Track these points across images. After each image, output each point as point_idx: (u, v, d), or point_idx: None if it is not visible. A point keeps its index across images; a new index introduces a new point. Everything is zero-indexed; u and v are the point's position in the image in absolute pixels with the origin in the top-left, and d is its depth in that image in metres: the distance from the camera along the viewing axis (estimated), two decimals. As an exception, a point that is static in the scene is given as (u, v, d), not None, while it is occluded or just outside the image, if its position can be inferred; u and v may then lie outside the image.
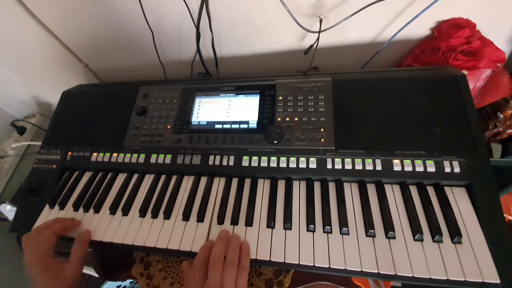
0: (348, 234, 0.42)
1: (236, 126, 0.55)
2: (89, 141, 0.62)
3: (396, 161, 0.45)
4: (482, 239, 0.38)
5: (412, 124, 0.47)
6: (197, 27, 0.63)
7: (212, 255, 0.40)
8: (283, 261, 0.41)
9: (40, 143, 0.66)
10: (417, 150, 0.45)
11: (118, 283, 0.87)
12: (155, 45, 0.70)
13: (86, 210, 0.53)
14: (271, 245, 0.43)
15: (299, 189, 0.48)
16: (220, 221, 0.47)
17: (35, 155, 0.63)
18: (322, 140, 0.50)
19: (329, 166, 0.47)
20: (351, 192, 0.46)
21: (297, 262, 0.41)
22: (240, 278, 0.39)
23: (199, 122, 0.58)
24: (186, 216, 0.48)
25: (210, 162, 0.52)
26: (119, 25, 0.68)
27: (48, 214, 0.55)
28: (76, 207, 0.54)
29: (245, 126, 0.55)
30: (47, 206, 0.56)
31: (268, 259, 0.42)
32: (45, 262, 0.44)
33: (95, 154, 0.59)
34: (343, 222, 0.43)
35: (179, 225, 0.48)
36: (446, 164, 0.44)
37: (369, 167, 0.46)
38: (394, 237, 0.41)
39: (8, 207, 0.73)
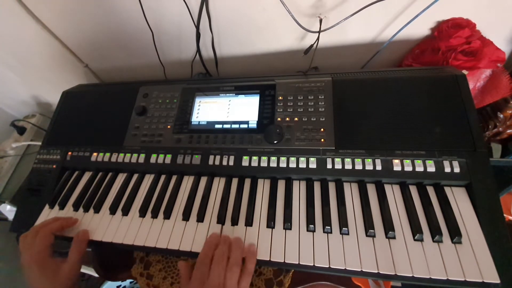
0: (348, 234, 0.42)
1: (236, 126, 0.55)
2: (89, 141, 0.62)
3: (396, 161, 0.45)
4: (482, 239, 0.38)
5: (412, 124, 0.47)
6: (197, 27, 0.63)
7: (216, 254, 0.40)
8: (283, 261, 0.41)
9: (40, 143, 0.66)
10: (417, 150, 0.45)
11: (118, 283, 0.87)
12: (155, 45, 0.70)
13: (86, 210, 0.53)
14: (271, 245, 0.43)
15: (299, 189, 0.48)
16: (220, 221, 0.47)
17: (35, 155, 0.63)
18: (322, 140, 0.50)
19: (329, 166, 0.47)
20: (351, 192, 0.46)
21: (297, 262, 0.41)
22: (243, 280, 0.39)
23: (199, 122, 0.58)
24: (186, 216, 0.48)
25: (210, 162, 0.52)
26: (119, 25, 0.68)
27: (48, 214, 0.55)
28: (76, 207, 0.54)
29: (245, 126, 0.55)
30: (47, 206, 0.56)
31: (268, 259, 0.42)
32: (42, 261, 0.44)
33: (95, 154, 0.59)
34: (343, 222, 0.43)
35: (179, 225, 0.48)
36: (446, 164, 0.44)
37: (369, 167, 0.46)
38: (394, 237, 0.41)
39: (8, 207, 0.73)
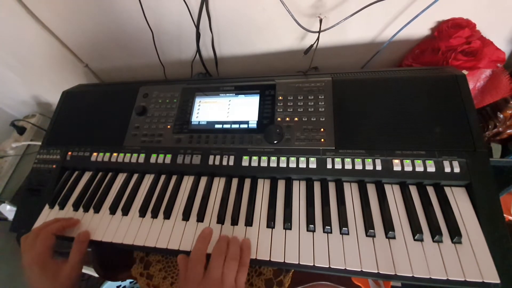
0: (348, 234, 0.42)
1: (236, 126, 0.55)
2: (89, 141, 0.62)
3: (396, 161, 0.45)
4: (482, 239, 0.38)
5: (412, 124, 0.47)
6: (197, 27, 0.63)
7: (214, 249, 0.41)
8: (283, 261, 0.41)
9: (40, 143, 0.66)
10: (417, 150, 0.45)
11: (118, 283, 0.87)
12: (155, 45, 0.70)
13: (86, 210, 0.53)
14: (271, 245, 0.43)
15: (299, 189, 0.48)
16: (220, 221, 0.47)
17: (35, 155, 0.63)
18: (322, 140, 0.50)
19: (329, 166, 0.47)
20: (351, 192, 0.46)
21: (297, 262, 0.41)
22: (240, 274, 0.39)
23: (199, 122, 0.58)
24: (186, 216, 0.48)
25: (210, 162, 0.52)
26: (119, 25, 0.68)
27: (48, 214, 0.55)
28: (76, 207, 0.54)
29: (245, 126, 0.55)
30: (47, 206, 0.56)
31: (268, 259, 0.42)
32: (43, 263, 0.44)
33: (95, 154, 0.59)
34: (343, 222, 0.43)
35: (179, 225, 0.48)
36: (446, 164, 0.44)
37: (369, 167, 0.46)
38: (394, 237, 0.41)
39: (8, 207, 0.73)
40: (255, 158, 0.51)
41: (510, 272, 0.36)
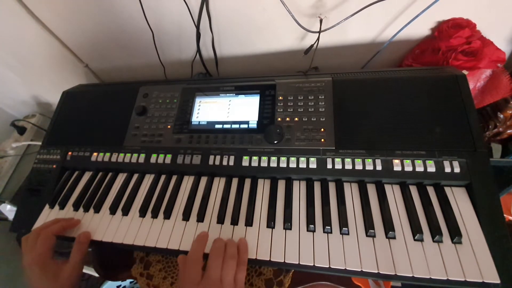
0: (348, 234, 0.42)
1: (236, 126, 0.55)
2: (89, 141, 0.62)
3: (396, 161, 0.45)
4: (482, 239, 0.38)
5: (412, 124, 0.47)
6: (197, 27, 0.63)
7: (212, 249, 0.41)
8: (283, 261, 0.41)
9: (40, 143, 0.66)
10: (417, 150, 0.45)
11: (118, 283, 0.87)
12: (155, 45, 0.70)
13: (86, 210, 0.53)
14: (271, 245, 0.43)
15: (299, 189, 0.48)
16: (220, 221, 0.47)
17: (35, 155, 0.63)
18: (322, 140, 0.50)
19: (329, 166, 0.47)
20: (351, 192, 0.46)
21: (297, 262, 0.41)
22: (239, 272, 0.39)
23: (199, 122, 0.58)
24: (186, 216, 0.48)
25: (210, 162, 0.52)
26: (119, 25, 0.68)
27: (48, 214, 0.55)
28: (76, 207, 0.54)
29: (245, 126, 0.55)
30: (47, 206, 0.56)
31: (268, 259, 0.42)
32: (43, 263, 0.44)
33: (95, 154, 0.59)
34: (343, 222, 0.43)
35: (179, 225, 0.48)
36: (446, 164, 0.44)
37: (369, 167, 0.46)
38: (394, 237, 0.41)
39: (8, 207, 0.73)
40: (255, 158, 0.51)
41: (510, 272, 0.36)
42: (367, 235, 0.41)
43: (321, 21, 0.56)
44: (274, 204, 0.47)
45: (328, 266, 0.40)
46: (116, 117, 0.63)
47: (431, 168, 0.44)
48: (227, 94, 0.59)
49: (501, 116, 0.57)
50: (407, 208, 0.43)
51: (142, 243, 0.47)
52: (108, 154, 0.58)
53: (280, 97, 0.55)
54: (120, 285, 0.88)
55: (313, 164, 0.48)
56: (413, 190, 0.45)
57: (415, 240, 0.40)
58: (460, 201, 0.42)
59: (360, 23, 0.57)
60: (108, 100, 0.66)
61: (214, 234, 0.45)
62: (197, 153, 0.54)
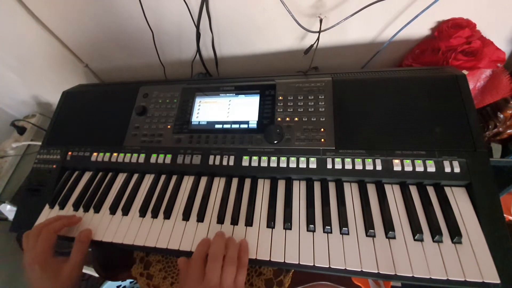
0: (348, 234, 0.42)
1: (236, 126, 0.55)
2: (89, 141, 0.62)
3: (396, 161, 0.45)
4: (482, 239, 0.38)
5: (412, 124, 0.47)
6: (197, 27, 0.63)
7: (211, 251, 0.40)
8: (283, 261, 0.41)
9: (40, 143, 0.66)
10: (417, 150, 0.45)
11: (118, 283, 0.87)
12: (155, 45, 0.70)
13: (86, 210, 0.53)
14: (271, 245, 0.43)
15: (299, 189, 0.48)
16: (220, 221, 0.47)
17: (35, 155, 0.63)
18: (322, 140, 0.50)
19: (329, 166, 0.47)
20: (351, 192, 0.46)
21: (297, 262, 0.41)
22: (239, 275, 0.39)
23: (199, 122, 0.58)
24: (186, 216, 0.48)
25: (210, 162, 0.52)
26: (119, 25, 0.68)
27: (48, 214, 0.55)
28: (76, 207, 0.54)
29: (245, 126, 0.55)
30: (47, 206, 0.56)
31: (268, 259, 0.42)
32: (44, 261, 0.44)
33: (95, 154, 0.59)
34: (343, 222, 0.43)
35: (179, 225, 0.48)
36: (446, 164, 0.44)
37: (369, 167, 0.46)
38: (394, 237, 0.41)
39: (8, 207, 0.73)
40: (255, 158, 0.51)
41: (510, 272, 0.36)
42: (367, 235, 0.41)
43: (321, 21, 0.56)
44: (274, 204, 0.47)
45: (328, 266, 0.40)
46: (116, 117, 0.63)
47: (431, 168, 0.44)
48: (227, 94, 0.59)
49: (501, 116, 0.57)
50: (407, 208, 0.43)
51: (142, 243, 0.47)
52: (108, 154, 0.58)
53: (280, 97, 0.55)
54: (120, 285, 0.88)
55: (313, 164, 0.48)
56: (413, 190, 0.45)
57: (415, 240, 0.40)
58: (460, 201, 0.42)
59: (360, 23, 0.57)
60: (108, 100, 0.66)
61: (213, 235, 0.45)
62: (197, 153, 0.54)
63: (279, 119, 0.53)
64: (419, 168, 0.44)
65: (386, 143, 0.47)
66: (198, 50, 0.70)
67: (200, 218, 0.48)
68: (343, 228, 0.42)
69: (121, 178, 0.57)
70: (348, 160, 0.47)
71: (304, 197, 0.47)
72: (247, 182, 0.51)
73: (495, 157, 0.58)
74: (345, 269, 0.39)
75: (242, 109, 0.57)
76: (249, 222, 0.46)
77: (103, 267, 0.59)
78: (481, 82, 0.56)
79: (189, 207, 0.49)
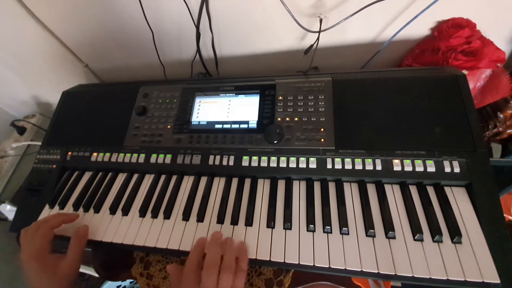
0: (348, 234, 0.42)
1: (236, 126, 0.55)
2: (89, 141, 0.62)
3: (396, 161, 0.45)
4: (482, 239, 0.38)
5: (412, 124, 0.47)
6: (197, 27, 0.63)
7: (207, 260, 0.39)
8: (283, 261, 0.41)
9: (40, 143, 0.66)
10: (417, 150, 0.45)
11: (118, 283, 0.87)
12: (155, 45, 0.70)
13: (86, 210, 0.53)
14: (271, 245, 0.43)
15: (299, 189, 0.48)
16: (220, 221, 0.47)
17: (35, 155, 0.63)
18: (322, 140, 0.50)
19: (329, 166, 0.47)
20: (351, 192, 0.46)
21: (297, 262, 0.41)
22: (237, 280, 0.38)
23: (199, 122, 0.58)
24: (186, 216, 0.48)
25: (210, 162, 0.52)
26: (119, 25, 0.68)
27: (48, 214, 0.55)
28: (76, 207, 0.54)
29: (245, 126, 0.55)
30: (47, 206, 0.56)
31: (268, 259, 0.42)
32: (41, 257, 0.44)
33: (95, 154, 0.59)
34: (343, 222, 0.43)
35: (179, 225, 0.48)
36: (446, 164, 0.44)
37: (369, 167, 0.46)
38: (394, 237, 0.41)
39: (8, 207, 0.73)
40: (255, 158, 0.51)
41: (510, 272, 0.36)
42: (367, 235, 0.41)
43: (321, 21, 0.56)
44: (274, 204, 0.47)
45: (328, 266, 0.40)
46: (116, 117, 0.63)
47: (431, 168, 0.44)
48: (227, 94, 0.59)
49: (501, 116, 0.57)
50: (407, 208, 0.43)
51: (142, 243, 0.47)
52: (108, 154, 0.58)
53: (280, 97, 0.55)
54: (120, 285, 0.88)
55: (313, 164, 0.48)
56: (413, 190, 0.45)
57: (415, 240, 0.40)
58: (460, 201, 0.42)
59: (360, 23, 0.57)
60: (108, 100, 0.66)
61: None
62: (197, 153, 0.54)
63: (279, 119, 0.53)
64: (419, 168, 0.44)
65: (386, 143, 0.47)
66: (198, 50, 0.70)
67: (200, 218, 0.48)
68: (343, 228, 0.42)
69: (121, 178, 0.57)
70: (348, 160, 0.47)
71: (304, 197, 0.47)
72: (247, 182, 0.51)
73: (495, 157, 0.58)
74: (345, 269, 0.39)
75: (242, 109, 0.57)
76: (249, 222, 0.46)
77: (103, 267, 0.58)
78: (481, 82, 0.56)
79: (189, 207, 0.49)
